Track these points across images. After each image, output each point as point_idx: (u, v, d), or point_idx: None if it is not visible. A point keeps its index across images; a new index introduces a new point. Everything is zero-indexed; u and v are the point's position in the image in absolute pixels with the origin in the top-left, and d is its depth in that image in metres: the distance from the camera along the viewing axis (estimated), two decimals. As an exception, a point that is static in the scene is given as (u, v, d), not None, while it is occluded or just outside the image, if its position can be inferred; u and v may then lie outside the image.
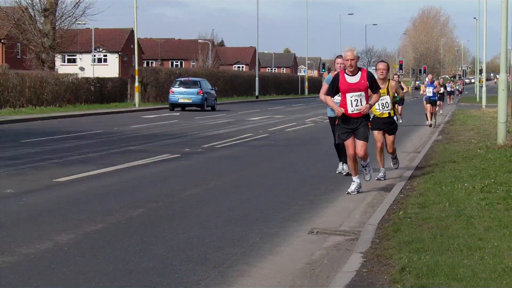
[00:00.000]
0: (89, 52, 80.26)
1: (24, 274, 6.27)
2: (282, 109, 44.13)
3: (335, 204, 10.14)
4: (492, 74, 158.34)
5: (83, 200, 9.98)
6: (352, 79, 10.67)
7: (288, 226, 8.50)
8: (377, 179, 12.35)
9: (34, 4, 45.39)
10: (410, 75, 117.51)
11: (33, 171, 12.94)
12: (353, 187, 11.00)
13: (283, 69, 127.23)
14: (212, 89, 43.97)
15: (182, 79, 43.71)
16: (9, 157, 15.20)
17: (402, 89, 28.12)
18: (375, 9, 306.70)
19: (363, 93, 10.65)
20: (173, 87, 42.10)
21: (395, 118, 12.72)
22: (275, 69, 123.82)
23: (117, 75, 69.82)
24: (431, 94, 28.68)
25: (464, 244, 6.76)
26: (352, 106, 10.64)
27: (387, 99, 12.42)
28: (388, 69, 12.32)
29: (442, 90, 39.02)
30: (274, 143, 19.79)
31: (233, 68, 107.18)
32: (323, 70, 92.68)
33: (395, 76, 29.63)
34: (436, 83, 29.70)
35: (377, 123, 12.60)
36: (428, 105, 28.30)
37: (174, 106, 41.72)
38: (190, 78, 44.17)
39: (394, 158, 13.50)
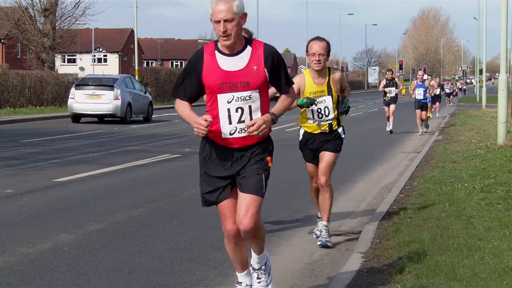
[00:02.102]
0: (89, 52, 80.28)
1: (24, 274, 6.27)
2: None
3: (335, 204, 10.09)
4: (497, 74, 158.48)
5: (83, 200, 9.98)
6: (232, 63, 5.05)
7: (288, 226, 8.50)
8: (316, 237, 7.81)
9: (34, 4, 45.43)
10: (410, 75, 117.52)
11: (33, 171, 12.93)
12: None
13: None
14: None
15: None
16: (9, 157, 15.19)
17: (397, 86, 24.34)
18: (375, 9, 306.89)
19: (255, 94, 5.03)
20: None
21: (340, 130, 7.87)
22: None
23: (117, 75, 69.82)
24: (421, 97, 23.98)
25: (464, 244, 6.76)
26: (231, 123, 5.03)
27: (327, 101, 7.59)
28: (328, 53, 7.47)
29: (438, 91, 35.33)
30: (274, 143, 19.77)
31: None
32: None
33: (388, 72, 25.20)
34: (427, 83, 24.71)
35: (311, 145, 7.83)
36: (418, 110, 23.90)
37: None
38: None
39: (326, 227, 7.66)
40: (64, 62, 79.57)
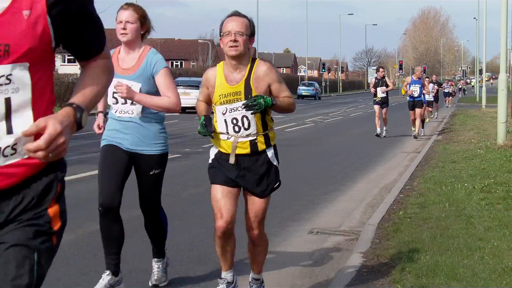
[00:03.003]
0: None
1: (24, 274, 6.26)
2: (282, 109, 44.10)
3: (335, 204, 10.14)
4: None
5: (83, 200, 9.98)
6: None
7: (288, 226, 8.50)
8: None
9: (34, 4, 45.41)
10: (410, 75, 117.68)
11: (33, 171, 12.92)
12: None
13: (283, 69, 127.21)
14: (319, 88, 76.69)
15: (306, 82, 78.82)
16: (9, 157, 15.20)
17: (387, 85, 22.33)
18: (375, 9, 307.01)
19: (22, 73, 2.37)
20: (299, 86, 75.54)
21: (270, 154, 5.22)
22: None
23: (117, 75, 69.80)
24: (416, 95, 22.06)
25: (464, 244, 6.76)
26: None
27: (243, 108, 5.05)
28: (251, 35, 5.04)
29: (436, 88, 33.07)
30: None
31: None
32: (323, 70, 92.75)
33: (380, 69, 23.11)
34: (423, 79, 22.77)
35: (227, 172, 5.25)
36: (412, 112, 21.97)
37: (299, 96, 72.81)
38: (308, 81, 79.02)
39: (257, 280, 5.75)
40: (64, 62, 79.52)
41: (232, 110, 5.04)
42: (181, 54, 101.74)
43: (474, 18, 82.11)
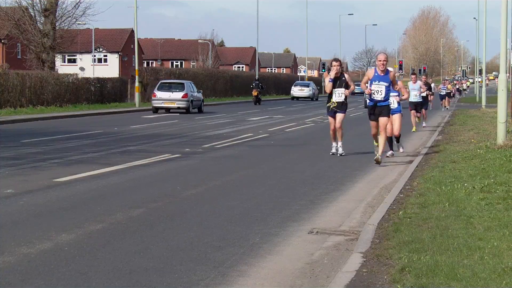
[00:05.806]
0: (89, 52, 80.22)
1: (24, 274, 6.27)
2: (282, 109, 44.13)
3: (335, 204, 10.14)
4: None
5: (83, 200, 9.98)
6: None
7: (288, 226, 8.51)
8: None
9: (34, 4, 45.37)
10: (410, 75, 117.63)
11: (33, 171, 12.93)
12: None
13: (283, 69, 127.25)
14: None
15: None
16: (9, 157, 15.19)
17: (347, 86, 15.69)
18: (375, 9, 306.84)
19: None
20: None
21: None
22: (275, 69, 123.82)
23: (117, 75, 69.73)
24: (380, 98, 14.20)
25: (464, 244, 6.77)
26: None
27: None
28: None
29: (426, 91, 27.33)
30: (274, 143, 19.80)
31: (233, 68, 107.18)
32: (323, 70, 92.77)
33: (334, 63, 15.60)
34: (391, 75, 14.32)
35: None
36: (373, 122, 14.53)
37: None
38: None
39: None
40: (64, 62, 79.50)
41: None
42: (181, 54, 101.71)
43: (474, 18, 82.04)
